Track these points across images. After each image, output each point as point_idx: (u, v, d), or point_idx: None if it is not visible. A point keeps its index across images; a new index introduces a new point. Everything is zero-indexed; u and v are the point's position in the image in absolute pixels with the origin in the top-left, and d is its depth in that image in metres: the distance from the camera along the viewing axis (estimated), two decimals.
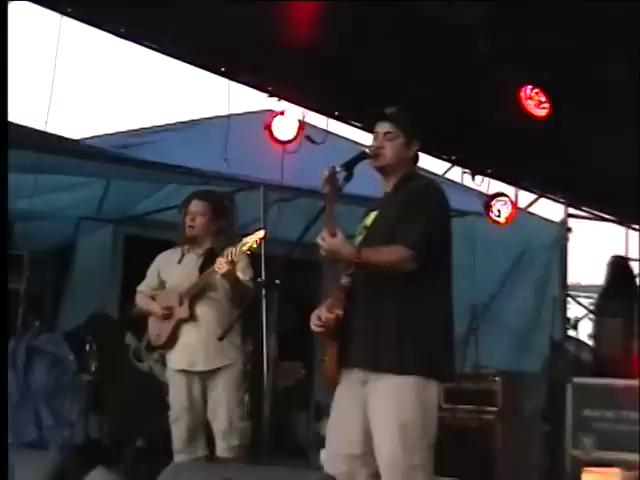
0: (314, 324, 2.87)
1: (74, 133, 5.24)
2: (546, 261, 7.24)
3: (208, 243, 4.02)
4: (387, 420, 2.73)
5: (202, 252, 4.02)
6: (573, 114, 5.09)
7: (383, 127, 2.96)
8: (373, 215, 2.95)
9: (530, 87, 5.02)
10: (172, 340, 3.98)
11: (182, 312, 3.93)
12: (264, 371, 4.54)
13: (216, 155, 5.14)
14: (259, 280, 3.82)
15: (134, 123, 5.79)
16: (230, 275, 3.78)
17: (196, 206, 4.03)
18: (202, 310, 3.92)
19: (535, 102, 5.03)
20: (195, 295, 3.92)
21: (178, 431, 3.94)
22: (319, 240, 2.76)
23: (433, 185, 2.97)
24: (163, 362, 4.49)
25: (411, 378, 2.74)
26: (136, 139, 5.43)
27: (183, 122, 5.84)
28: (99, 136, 5.34)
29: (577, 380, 5.40)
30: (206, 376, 3.94)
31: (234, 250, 3.71)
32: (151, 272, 4.17)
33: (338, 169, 2.83)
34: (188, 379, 3.94)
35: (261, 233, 3.68)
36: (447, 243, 2.91)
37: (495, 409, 5.37)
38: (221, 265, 3.73)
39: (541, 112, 5.05)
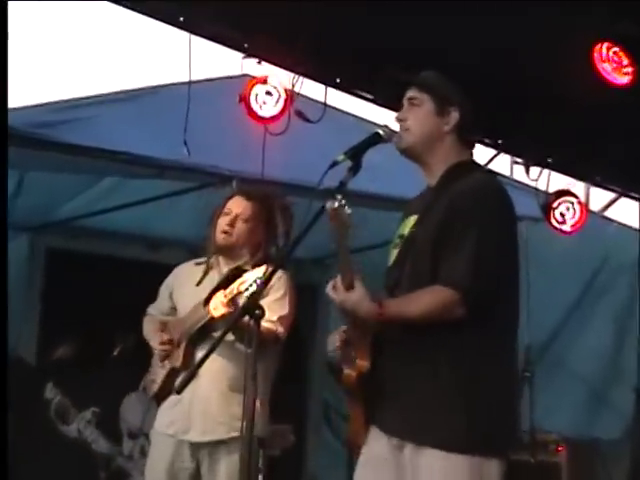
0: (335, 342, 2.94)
1: None
2: (629, 285, 7.25)
3: (241, 260, 3.98)
4: None
5: (224, 274, 3.93)
6: None
7: (407, 94, 3.01)
8: (411, 220, 2.96)
9: (607, 45, 5.04)
10: (165, 391, 3.95)
11: (176, 358, 3.91)
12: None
13: (172, 137, 5.15)
14: (273, 318, 3.78)
15: (59, 93, 5.80)
16: (227, 320, 3.68)
17: (239, 206, 4.03)
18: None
19: (614, 65, 5.05)
20: (194, 337, 3.87)
21: None
22: (329, 291, 2.80)
23: (491, 185, 2.94)
24: (98, 424, 4.47)
25: (466, 457, 2.73)
26: (62, 115, 5.43)
27: (127, 92, 5.85)
28: (10, 110, 5.35)
29: None
30: (201, 450, 3.89)
31: (232, 287, 3.66)
32: (162, 290, 4.16)
33: (341, 157, 2.83)
34: (176, 449, 3.90)
35: (260, 271, 3.57)
36: (513, 272, 2.93)
37: None
38: (216, 305, 3.70)
39: (622, 79, 5.07)
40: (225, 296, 3.69)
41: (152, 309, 4.18)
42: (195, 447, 3.90)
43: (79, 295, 6.29)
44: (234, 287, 3.67)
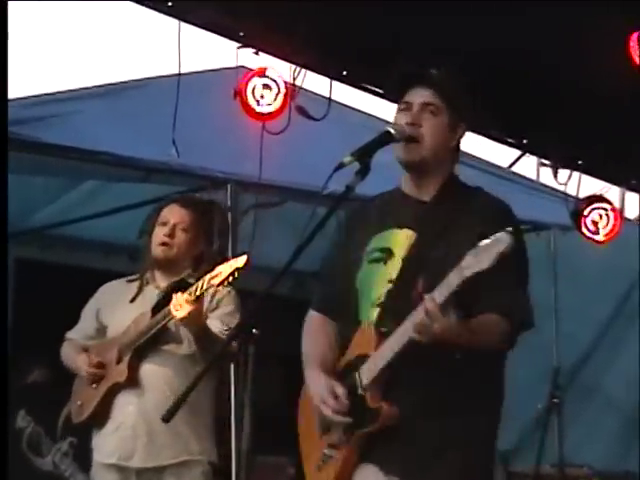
0: (330, 406, 2.83)
1: None
2: None
3: (183, 273, 4.05)
4: None
5: (166, 286, 4.02)
6: None
7: (420, 95, 2.96)
8: (403, 235, 2.95)
9: None
10: (100, 415, 3.97)
11: (118, 373, 3.93)
12: (232, 470, 4.52)
13: (160, 136, 5.17)
14: (225, 329, 3.83)
15: (34, 86, 5.82)
16: (193, 320, 3.77)
17: (176, 215, 4.07)
18: (150, 372, 3.93)
19: None
20: (140, 349, 3.92)
21: None
22: (425, 318, 2.66)
23: (508, 207, 2.99)
24: (76, 455, 4.47)
25: None
26: (36, 111, 5.44)
27: (109, 85, 5.87)
28: None
29: None
30: (148, 476, 3.93)
31: (200, 282, 3.71)
32: (87, 312, 4.19)
33: (348, 159, 2.84)
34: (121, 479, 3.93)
35: (242, 260, 3.70)
36: None
37: None
38: (179, 304, 3.73)
39: None
40: (190, 294, 3.71)
41: (73, 334, 4.21)
42: (141, 477, 3.92)
43: (54, 312, 6.28)
44: (203, 282, 3.70)
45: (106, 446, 3.97)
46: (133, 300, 4.07)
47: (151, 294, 4.04)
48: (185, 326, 3.83)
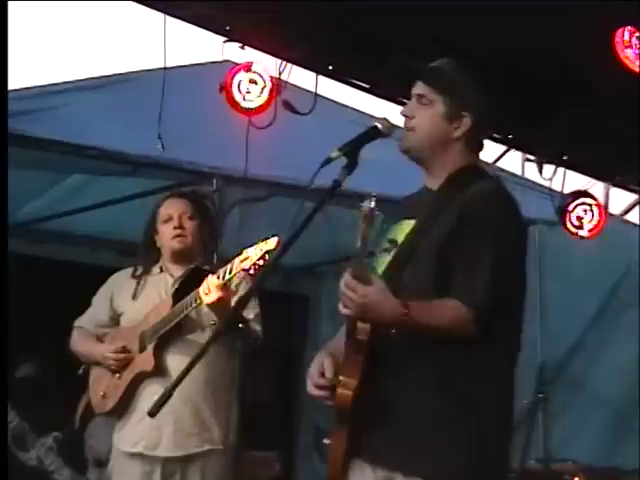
0: (314, 386, 2.87)
1: None
2: None
3: (196, 260, 4.07)
4: None
5: (182, 273, 4.04)
6: None
7: (415, 87, 3.01)
8: (407, 226, 2.99)
9: (630, 29, 5.07)
10: (125, 405, 3.98)
11: (143, 362, 3.94)
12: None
13: (146, 130, 5.16)
14: (212, 323, 3.83)
15: (22, 79, 5.81)
16: (221, 306, 3.76)
17: (178, 207, 4.09)
18: (176, 360, 3.90)
19: (637, 52, 5.08)
20: (165, 336, 3.92)
21: None
22: (344, 289, 2.74)
23: (504, 195, 2.97)
24: (60, 450, 4.46)
25: None
26: (23, 104, 5.43)
27: (96, 79, 5.86)
28: None
29: None
30: (173, 466, 3.94)
31: (229, 266, 3.70)
32: (99, 299, 4.19)
33: (335, 154, 2.85)
34: (145, 470, 3.94)
35: (272, 242, 3.64)
36: (521, 289, 2.99)
37: None
38: (209, 289, 3.72)
39: None
40: (219, 278, 3.70)
41: (83, 322, 4.20)
42: (166, 466, 3.93)
43: (41, 306, 6.27)
44: (232, 265, 3.68)
45: (131, 435, 3.97)
46: (144, 289, 4.08)
47: (166, 282, 4.06)
48: (213, 311, 3.81)
